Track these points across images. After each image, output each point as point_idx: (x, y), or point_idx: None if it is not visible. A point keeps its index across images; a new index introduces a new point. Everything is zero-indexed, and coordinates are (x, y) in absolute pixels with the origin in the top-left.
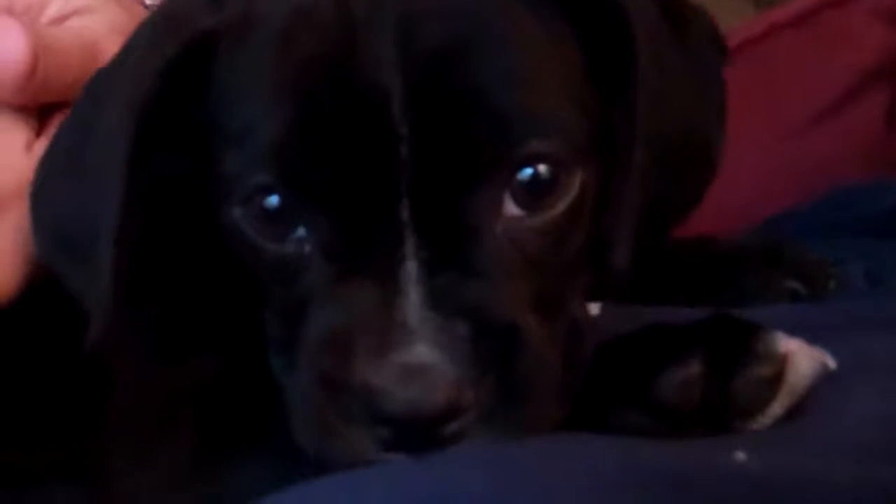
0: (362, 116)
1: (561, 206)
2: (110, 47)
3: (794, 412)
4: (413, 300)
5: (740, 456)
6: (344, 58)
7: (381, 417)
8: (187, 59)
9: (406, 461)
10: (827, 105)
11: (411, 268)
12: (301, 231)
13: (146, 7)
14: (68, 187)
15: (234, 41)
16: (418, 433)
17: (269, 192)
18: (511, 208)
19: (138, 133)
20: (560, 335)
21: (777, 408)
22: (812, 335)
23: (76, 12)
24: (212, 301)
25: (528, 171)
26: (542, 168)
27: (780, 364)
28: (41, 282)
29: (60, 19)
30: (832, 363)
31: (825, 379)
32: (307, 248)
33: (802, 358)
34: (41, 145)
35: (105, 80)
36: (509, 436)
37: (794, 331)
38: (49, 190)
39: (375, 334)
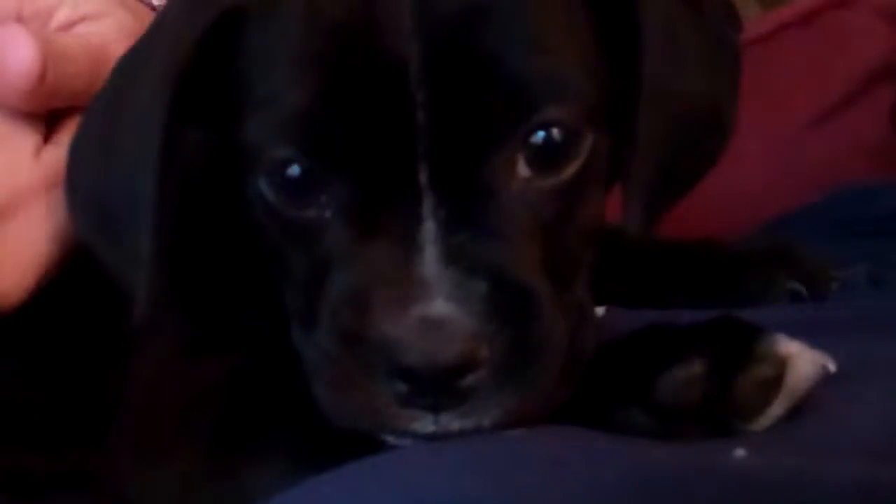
0: (381, 84)
1: (571, 169)
2: (119, 52)
3: (796, 414)
4: (431, 257)
5: (740, 452)
6: (365, 28)
7: (399, 369)
8: (218, 33)
9: (411, 459)
10: (833, 104)
11: (429, 227)
12: (322, 196)
13: (154, 9)
14: (103, 163)
15: (262, 14)
16: (435, 386)
17: (292, 161)
18: (524, 170)
19: (173, 105)
20: (569, 308)
21: (777, 409)
22: (814, 337)
23: (84, 18)
24: (232, 292)
25: (541, 135)
26: (555, 132)
27: (781, 366)
28: (50, 285)
29: (69, 25)
30: (832, 366)
31: (826, 381)
32: (328, 213)
33: (803, 360)
34: (50, 151)
35: (137, 55)
36: (519, 397)
37: (795, 333)
38: (84, 168)
39: (394, 290)
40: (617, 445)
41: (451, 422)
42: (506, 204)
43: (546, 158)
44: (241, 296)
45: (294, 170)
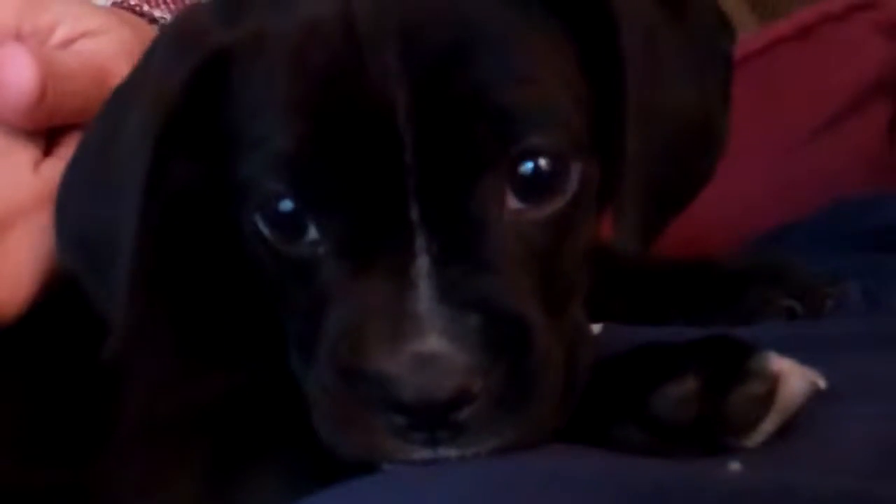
0: (368, 125)
1: (562, 199)
2: (119, 70)
3: (789, 431)
4: (424, 293)
5: (735, 466)
6: (350, 70)
7: (395, 405)
8: (205, 73)
9: (411, 476)
10: (829, 118)
11: (422, 263)
12: (314, 233)
13: (155, 21)
14: (89, 196)
15: (249, 57)
16: (431, 420)
17: (283, 196)
18: (514, 202)
19: (158, 144)
20: (565, 334)
21: (769, 426)
22: (808, 355)
23: (85, 34)
24: (229, 313)
25: (529, 165)
26: (542, 161)
27: (773, 383)
28: (49, 298)
29: (69, 42)
30: (823, 383)
31: (819, 399)
32: (321, 250)
33: (794, 377)
34: (49, 165)
35: (125, 93)
36: (516, 426)
37: (790, 350)
38: (71, 198)
39: (389, 326)
40: (614, 461)
41: (449, 451)
42: (497, 236)
43: (536, 189)
44: (239, 317)
45: (286, 205)
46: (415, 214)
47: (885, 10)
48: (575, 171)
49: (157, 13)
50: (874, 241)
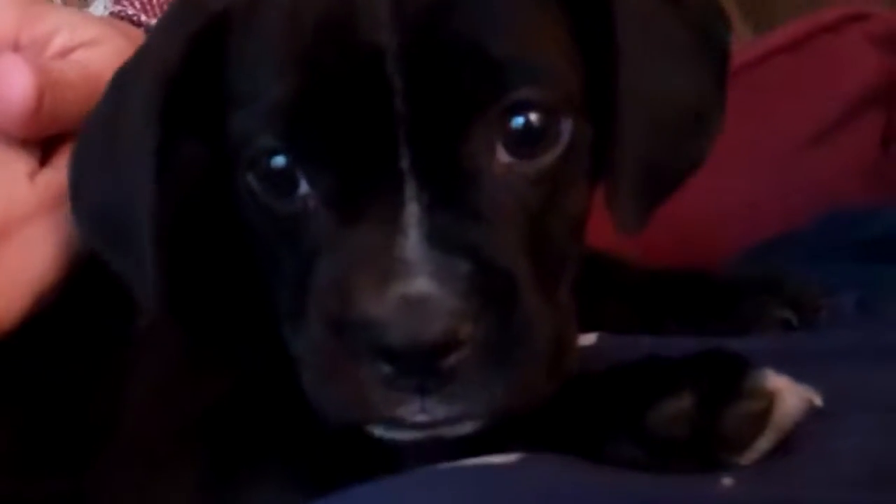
0: (359, 75)
1: (551, 154)
2: None
3: (783, 446)
4: (414, 239)
5: (727, 481)
6: (343, 22)
7: (382, 349)
8: (205, 40)
9: (405, 490)
10: (823, 128)
11: (412, 210)
12: (306, 186)
13: (140, 25)
14: (101, 172)
15: (245, 18)
16: (419, 365)
17: (275, 151)
18: (504, 156)
19: (165, 114)
20: (554, 308)
21: (764, 443)
22: (802, 368)
23: (82, 45)
24: (230, 304)
25: (520, 120)
26: (532, 116)
27: (768, 400)
28: (46, 306)
29: (66, 52)
30: (818, 400)
31: (813, 413)
32: (312, 203)
33: (789, 395)
34: (45, 175)
35: (130, 68)
36: (504, 384)
37: (784, 363)
38: (84, 177)
39: (377, 272)
40: (608, 476)
41: (438, 407)
42: (487, 188)
43: (526, 143)
44: (238, 316)
45: (278, 160)
46: (405, 163)
47: (878, 21)
48: (566, 127)
49: (154, 23)
50: (869, 252)
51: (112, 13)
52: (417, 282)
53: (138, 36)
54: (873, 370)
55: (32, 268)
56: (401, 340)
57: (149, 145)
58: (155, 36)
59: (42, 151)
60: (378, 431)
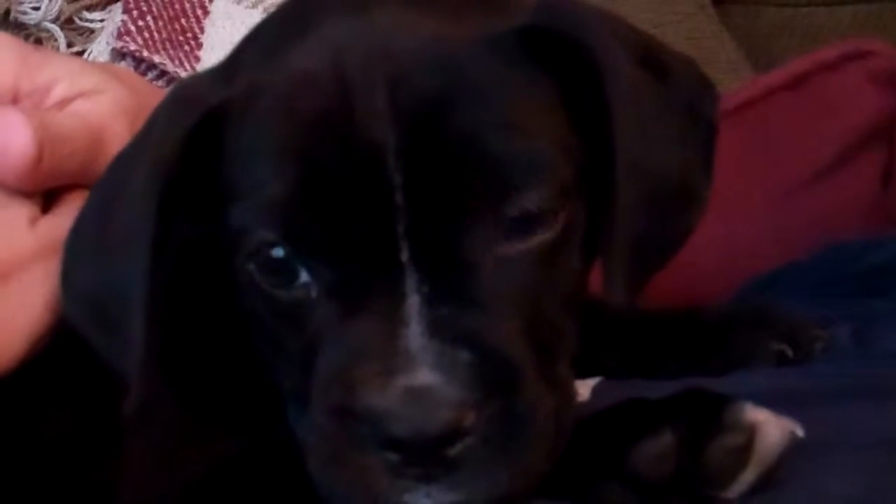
0: (359, 170)
1: (548, 240)
2: (117, 129)
3: (771, 484)
4: (415, 330)
5: None
6: (341, 117)
7: (387, 440)
8: (202, 133)
9: None
10: (823, 166)
11: (413, 302)
12: (306, 276)
13: (155, 66)
14: (96, 260)
15: (243, 111)
16: (424, 455)
17: (275, 244)
18: (501, 244)
19: (161, 205)
20: (554, 385)
21: (749, 476)
22: (796, 404)
23: (82, 94)
24: (227, 376)
25: (519, 210)
26: (531, 207)
27: (749, 433)
28: (44, 357)
29: (66, 101)
30: (801, 432)
31: (804, 451)
32: (314, 293)
33: (771, 427)
34: (46, 222)
35: (127, 157)
36: (508, 468)
37: (777, 399)
38: (77, 262)
39: (380, 363)
40: None
41: (443, 493)
42: (486, 276)
43: (523, 232)
44: (235, 384)
45: (278, 251)
46: (405, 255)
47: (877, 59)
48: (563, 215)
49: (156, 58)
50: (864, 285)
51: (114, 49)
52: (420, 373)
53: (139, 81)
54: (869, 409)
55: (30, 311)
56: (406, 432)
57: (145, 238)
58: (154, 123)
59: (44, 199)
60: None
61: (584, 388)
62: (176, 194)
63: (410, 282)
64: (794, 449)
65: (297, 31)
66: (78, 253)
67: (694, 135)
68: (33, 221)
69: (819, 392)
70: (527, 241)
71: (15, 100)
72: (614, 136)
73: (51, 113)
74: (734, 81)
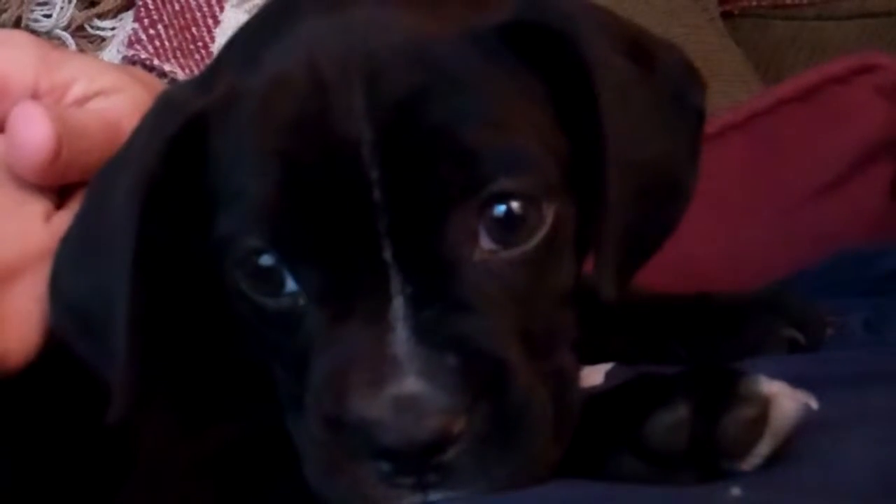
0: (337, 169)
1: (534, 239)
2: (132, 128)
3: (788, 458)
4: (401, 335)
5: (735, 491)
6: (318, 118)
7: (378, 450)
8: (184, 141)
9: None
10: (832, 178)
11: (398, 305)
12: (292, 285)
13: (165, 75)
14: (81, 269)
15: (222, 117)
16: (416, 463)
17: (260, 252)
18: (486, 242)
19: (145, 212)
20: (549, 376)
21: (764, 448)
22: (808, 387)
23: (100, 93)
24: (228, 365)
25: (501, 208)
26: (514, 204)
27: (764, 405)
28: (55, 350)
29: (84, 100)
30: (815, 404)
31: (820, 428)
32: (301, 301)
33: (785, 399)
34: (61, 217)
35: (113, 166)
36: (506, 465)
37: (789, 383)
38: (64, 272)
39: (368, 370)
40: (613, 491)
41: (438, 497)
42: (471, 276)
43: (507, 230)
44: (229, 370)
45: (265, 259)
46: (388, 255)
47: (885, 73)
48: (548, 212)
49: (167, 67)
50: (874, 289)
51: (125, 57)
52: (407, 381)
53: (154, 82)
54: (883, 391)
55: (44, 306)
56: (396, 441)
57: (127, 247)
58: (136, 136)
59: (58, 195)
60: None
61: (598, 374)
62: (161, 202)
63: (395, 283)
64: (807, 422)
65: (274, 33)
66: (65, 261)
67: (681, 125)
68: (48, 217)
69: (831, 376)
70: (514, 242)
71: (34, 97)
72: (603, 129)
73: (70, 109)
74: (743, 94)
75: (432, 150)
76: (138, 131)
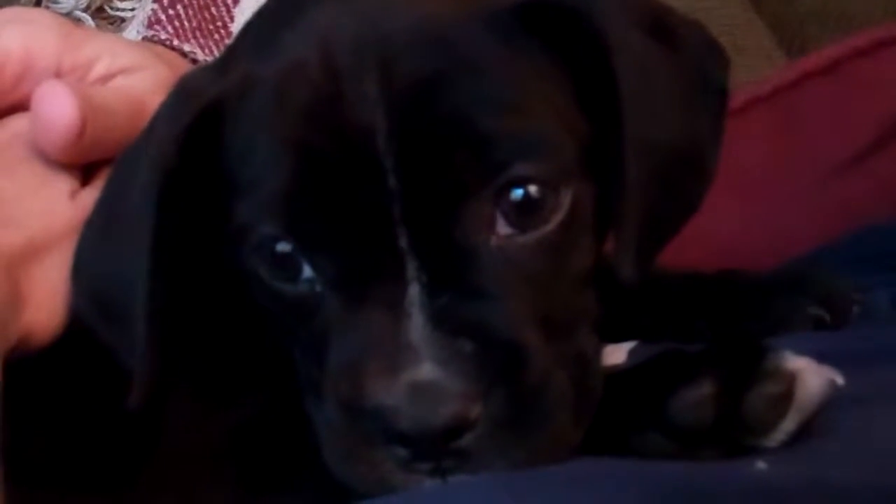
0: (352, 156)
1: (552, 223)
2: (156, 105)
3: (813, 433)
4: (417, 322)
5: (761, 465)
6: (332, 105)
7: (395, 436)
8: (201, 127)
9: (433, 495)
10: (857, 152)
11: (413, 291)
12: (309, 271)
13: (185, 55)
14: (102, 256)
15: (237, 105)
16: (433, 449)
17: (277, 239)
18: (503, 228)
19: (163, 202)
20: (568, 359)
21: (789, 424)
22: (833, 364)
23: (122, 71)
24: (249, 350)
25: (518, 192)
26: (532, 189)
27: (789, 381)
28: (79, 330)
29: (107, 78)
30: (840, 380)
31: (844, 403)
32: (318, 287)
33: (811, 375)
34: (86, 194)
35: (133, 152)
36: (524, 448)
37: (817, 361)
38: (85, 259)
39: (385, 357)
40: (639, 465)
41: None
42: (487, 262)
43: (525, 215)
44: (248, 353)
45: (282, 246)
46: (404, 242)
47: None
48: (565, 196)
49: (186, 47)
50: None
51: (145, 38)
52: (423, 367)
53: (176, 61)
54: None
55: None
56: (412, 427)
57: (146, 233)
58: (154, 124)
59: (83, 172)
60: None
61: (621, 352)
62: (179, 191)
63: (411, 269)
64: (833, 398)
65: (289, 19)
66: (86, 248)
67: (703, 102)
68: (74, 194)
69: (857, 353)
70: (532, 226)
71: (57, 75)
72: (622, 109)
73: (94, 86)
74: (767, 68)
75: (448, 137)
76: (156, 120)
